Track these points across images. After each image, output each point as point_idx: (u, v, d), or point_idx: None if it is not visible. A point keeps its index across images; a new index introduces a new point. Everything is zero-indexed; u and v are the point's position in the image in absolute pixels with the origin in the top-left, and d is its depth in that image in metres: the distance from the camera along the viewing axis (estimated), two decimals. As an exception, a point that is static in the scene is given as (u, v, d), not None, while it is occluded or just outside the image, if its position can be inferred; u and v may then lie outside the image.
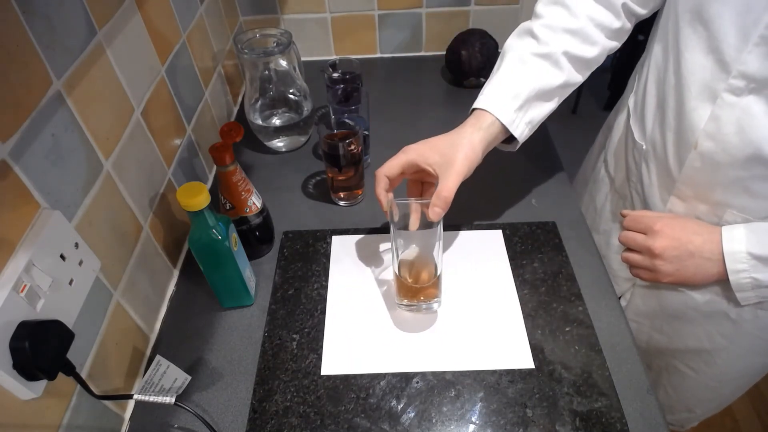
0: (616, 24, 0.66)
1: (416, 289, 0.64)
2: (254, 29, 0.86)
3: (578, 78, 0.67)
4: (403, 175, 0.64)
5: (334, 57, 1.16)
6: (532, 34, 0.66)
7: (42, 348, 0.42)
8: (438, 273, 0.63)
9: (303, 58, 1.04)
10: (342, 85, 0.88)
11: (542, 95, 0.65)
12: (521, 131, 0.65)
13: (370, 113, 0.88)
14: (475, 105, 0.65)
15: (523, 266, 0.71)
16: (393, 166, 0.63)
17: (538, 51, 0.64)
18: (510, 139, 0.67)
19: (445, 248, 0.74)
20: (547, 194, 0.82)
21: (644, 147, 0.71)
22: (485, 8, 1.10)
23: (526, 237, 0.75)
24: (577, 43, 0.65)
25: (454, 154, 0.61)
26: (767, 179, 0.58)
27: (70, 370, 0.46)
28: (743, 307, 0.66)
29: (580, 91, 2.55)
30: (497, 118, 0.63)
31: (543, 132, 0.94)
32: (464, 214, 0.79)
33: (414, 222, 0.62)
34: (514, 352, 0.62)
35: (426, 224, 0.61)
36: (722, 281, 0.62)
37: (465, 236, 0.76)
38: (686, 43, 0.60)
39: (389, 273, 0.70)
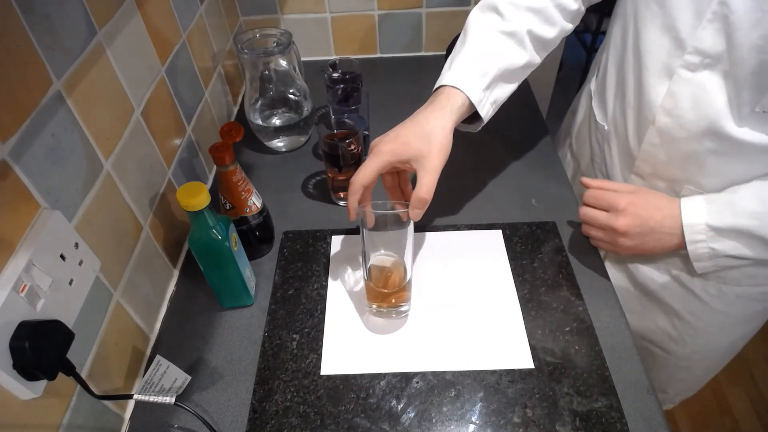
0: (573, 6, 0.68)
1: (386, 293, 0.63)
2: (254, 29, 0.86)
3: (537, 59, 0.68)
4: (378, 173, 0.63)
5: (334, 57, 1.16)
6: (496, 11, 0.66)
7: (42, 348, 0.42)
8: (408, 276, 0.62)
9: (303, 58, 1.04)
10: (342, 85, 0.88)
11: (506, 75, 0.65)
12: (486, 111, 0.65)
13: (370, 113, 0.88)
14: (445, 81, 0.63)
15: (523, 266, 0.71)
16: (368, 174, 0.60)
17: (503, 28, 0.64)
18: (470, 119, 0.66)
19: (445, 248, 0.74)
20: (547, 194, 0.82)
21: (606, 128, 0.73)
22: (485, 8, 1.10)
23: (526, 237, 0.75)
24: (539, 22, 0.66)
25: (429, 148, 0.59)
26: (720, 154, 0.59)
27: (70, 370, 0.46)
28: (707, 282, 0.68)
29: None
30: (467, 97, 0.62)
31: (543, 132, 0.94)
32: (464, 214, 0.79)
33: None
34: (514, 352, 0.62)
35: (395, 226, 0.60)
36: (682, 253, 0.64)
37: (465, 236, 0.76)
38: (644, 22, 0.62)
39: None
